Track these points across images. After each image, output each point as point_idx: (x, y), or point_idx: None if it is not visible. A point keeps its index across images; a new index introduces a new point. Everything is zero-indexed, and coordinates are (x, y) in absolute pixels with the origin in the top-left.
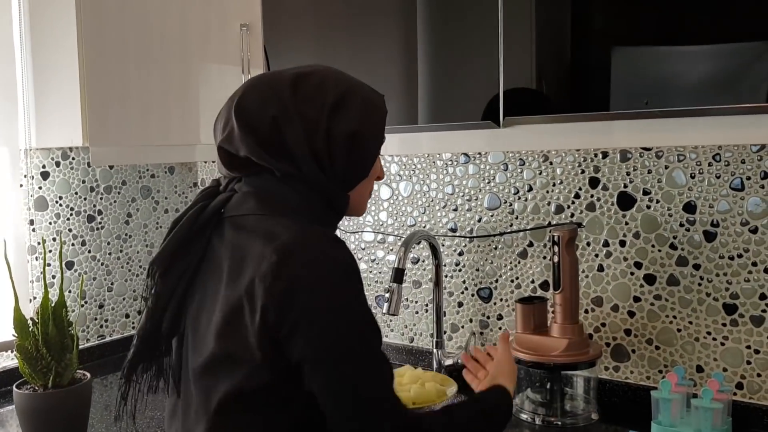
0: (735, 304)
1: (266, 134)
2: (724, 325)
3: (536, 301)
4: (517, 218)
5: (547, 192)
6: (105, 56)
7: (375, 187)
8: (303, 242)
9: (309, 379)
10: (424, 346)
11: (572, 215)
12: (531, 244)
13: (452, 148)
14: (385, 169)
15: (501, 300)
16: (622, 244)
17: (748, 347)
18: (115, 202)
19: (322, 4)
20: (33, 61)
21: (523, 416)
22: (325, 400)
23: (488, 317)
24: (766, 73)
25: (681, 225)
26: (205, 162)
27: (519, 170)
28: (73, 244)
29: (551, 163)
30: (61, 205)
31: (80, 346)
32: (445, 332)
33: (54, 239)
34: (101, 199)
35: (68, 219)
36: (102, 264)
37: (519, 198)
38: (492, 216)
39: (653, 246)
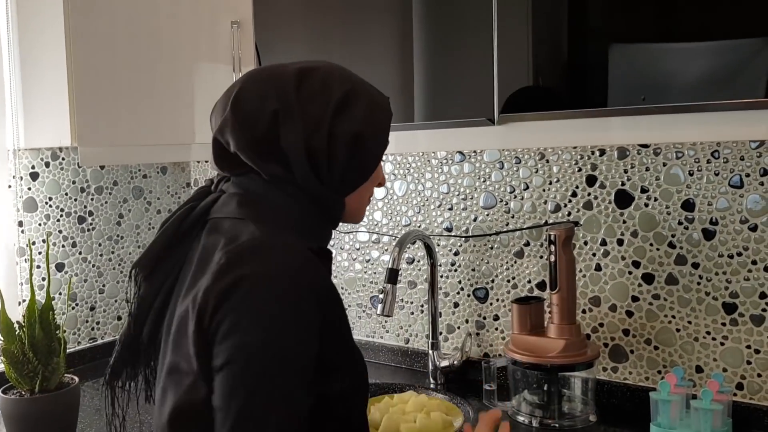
0: (735, 303)
1: (263, 129)
2: (723, 324)
3: (533, 301)
4: (513, 217)
5: (544, 190)
6: (93, 55)
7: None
8: (258, 247)
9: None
10: (419, 347)
11: (569, 214)
12: (527, 244)
13: (447, 146)
14: None
15: (497, 300)
16: (620, 242)
17: (748, 347)
18: (106, 202)
19: (315, 0)
20: (21, 60)
21: (520, 419)
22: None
23: (484, 318)
24: (764, 69)
25: (679, 223)
26: (198, 162)
27: (515, 168)
28: (63, 246)
29: (548, 161)
30: (50, 206)
31: (71, 349)
32: (440, 333)
33: (44, 241)
34: (92, 199)
35: (58, 220)
36: (93, 266)
37: (515, 197)
38: (488, 215)
39: (651, 245)
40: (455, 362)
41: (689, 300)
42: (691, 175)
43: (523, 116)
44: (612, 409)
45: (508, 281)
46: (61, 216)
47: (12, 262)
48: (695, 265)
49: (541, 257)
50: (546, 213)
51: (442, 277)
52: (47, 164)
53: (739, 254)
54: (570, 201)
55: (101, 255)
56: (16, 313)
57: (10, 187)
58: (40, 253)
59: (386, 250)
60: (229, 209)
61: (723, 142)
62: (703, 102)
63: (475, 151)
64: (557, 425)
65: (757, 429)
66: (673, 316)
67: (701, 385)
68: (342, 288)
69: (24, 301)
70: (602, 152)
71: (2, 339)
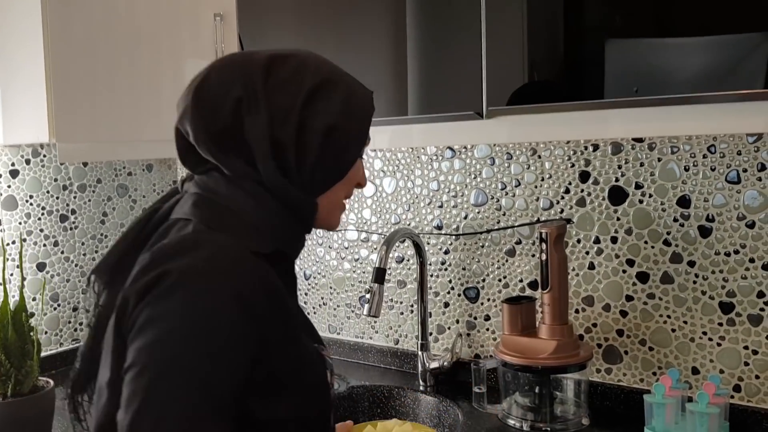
0: (732, 302)
1: (225, 119)
2: (720, 324)
3: (524, 301)
4: (504, 215)
5: (536, 187)
6: (72, 48)
7: None
8: (185, 243)
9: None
10: (409, 348)
11: (562, 211)
12: (519, 242)
13: (435, 141)
14: (368, 164)
15: (488, 300)
16: (614, 240)
17: (746, 348)
18: (89, 200)
19: None
20: None
21: (511, 422)
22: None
23: (475, 318)
24: (762, 63)
25: (675, 220)
26: None
27: (506, 165)
28: (44, 245)
29: (539, 157)
30: (31, 204)
31: (52, 351)
32: (431, 334)
33: (24, 240)
34: (75, 197)
35: (39, 219)
36: (76, 265)
37: (506, 194)
38: (479, 213)
39: (646, 242)
40: (445, 363)
41: (685, 299)
42: (686, 170)
43: (512, 110)
44: (605, 411)
45: (500, 280)
46: (43, 214)
47: None
48: (691, 264)
49: (533, 256)
50: (538, 210)
51: (432, 276)
52: (28, 161)
53: (737, 252)
54: (563, 198)
55: (84, 254)
56: None
57: None
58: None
59: (375, 248)
60: (183, 210)
61: (719, 137)
62: (699, 93)
63: (465, 147)
64: (549, 429)
65: None
66: (669, 316)
67: (697, 388)
68: (330, 288)
69: None
70: (596, 147)
71: None
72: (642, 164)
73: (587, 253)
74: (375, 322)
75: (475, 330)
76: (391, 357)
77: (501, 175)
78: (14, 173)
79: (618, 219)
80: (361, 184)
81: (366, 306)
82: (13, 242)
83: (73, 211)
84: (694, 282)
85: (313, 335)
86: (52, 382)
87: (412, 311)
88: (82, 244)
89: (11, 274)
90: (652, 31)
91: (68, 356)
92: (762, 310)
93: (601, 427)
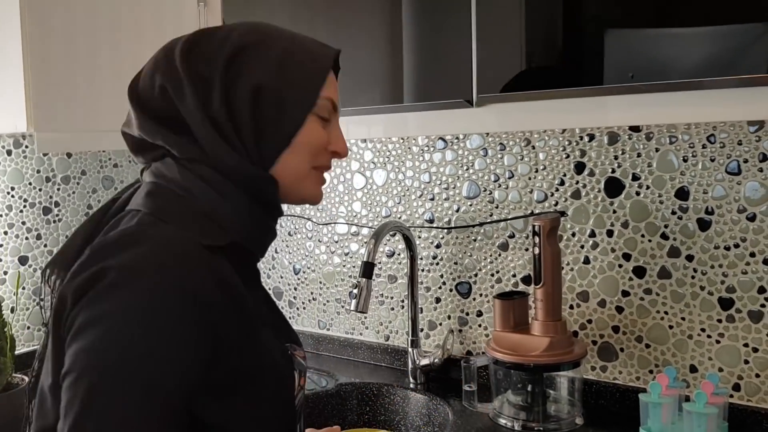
0: (731, 298)
1: (158, 109)
2: (719, 321)
3: (516, 296)
4: (497, 207)
5: (530, 179)
6: (51, 35)
7: (348, 176)
8: (126, 237)
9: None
10: (400, 344)
11: (556, 203)
12: (512, 236)
13: (424, 131)
14: (358, 156)
15: (481, 295)
16: (610, 234)
17: (746, 345)
18: (73, 193)
19: None
20: None
21: (502, 421)
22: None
23: (467, 314)
24: (763, 52)
25: (673, 213)
26: None
27: (499, 156)
28: (27, 238)
29: (533, 148)
30: (13, 196)
31: (35, 347)
32: (422, 330)
33: (6, 233)
34: (58, 189)
35: (21, 211)
36: None
37: (500, 186)
38: (471, 205)
39: (643, 236)
40: (436, 360)
41: (683, 295)
42: (685, 161)
43: (503, 97)
44: (600, 410)
45: (492, 275)
46: (25, 207)
47: None
48: (689, 258)
49: (527, 250)
50: (532, 203)
51: (423, 270)
52: (9, 152)
53: (737, 246)
54: (557, 190)
55: None
56: None
57: None
58: (0, 245)
59: (365, 242)
60: (137, 201)
61: (719, 126)
62: (698, 79)
63: (457, 138)
64: (541, 428)
65: None
66: (666, 312)
67: (695, 386)
68: (320, 282)
69: None
70: (591, 137)
71: None
72: (639, 155)
73: (582, 246)
74: (365, 317)
75: (467, 326)
76: (381, 353)
77: (494, 167)
78: None
79: (614, 212)
80: (338, 153)
81: (353, 301)
82: None
83: (57, 204)
84: (693, 277)
85: (285, 334)
86: (26, 379)
87: (403, 307)
88: (66, 237)
89: None
90: (652, 21)
91: None
92: (763, 306)
93: (596, 427)
